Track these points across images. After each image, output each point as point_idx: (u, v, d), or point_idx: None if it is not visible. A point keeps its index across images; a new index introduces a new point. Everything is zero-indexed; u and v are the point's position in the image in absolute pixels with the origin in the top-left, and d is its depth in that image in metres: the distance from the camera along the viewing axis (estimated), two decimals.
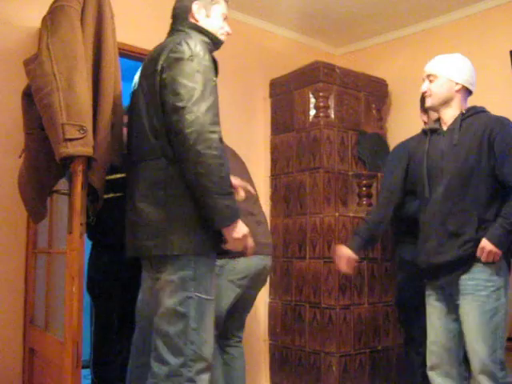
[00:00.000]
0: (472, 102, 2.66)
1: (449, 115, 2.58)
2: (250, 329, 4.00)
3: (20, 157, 2.64)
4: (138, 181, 2.15)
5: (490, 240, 2.38)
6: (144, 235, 2.11)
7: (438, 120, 2.65)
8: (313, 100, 3.97)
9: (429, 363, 2.61)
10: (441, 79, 2.57)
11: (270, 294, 4.13)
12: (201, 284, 2.12)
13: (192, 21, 2.28)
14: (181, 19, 2.29)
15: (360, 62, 4.48)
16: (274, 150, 4.23)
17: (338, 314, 3.67)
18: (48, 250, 2.83)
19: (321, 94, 3.94)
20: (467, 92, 2.60)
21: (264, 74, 4.27)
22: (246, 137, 4.12)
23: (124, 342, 3.35)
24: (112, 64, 2.38)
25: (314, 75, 3.96)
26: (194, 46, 2.10)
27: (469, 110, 2.57)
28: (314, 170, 3.88)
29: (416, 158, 2.68)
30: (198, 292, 2.11)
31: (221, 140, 2.07)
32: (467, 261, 2.45)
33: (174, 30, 2.30)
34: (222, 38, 2.35)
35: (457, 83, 2.56)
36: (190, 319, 2.09)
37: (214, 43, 2.29)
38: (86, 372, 3.74)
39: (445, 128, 2.59)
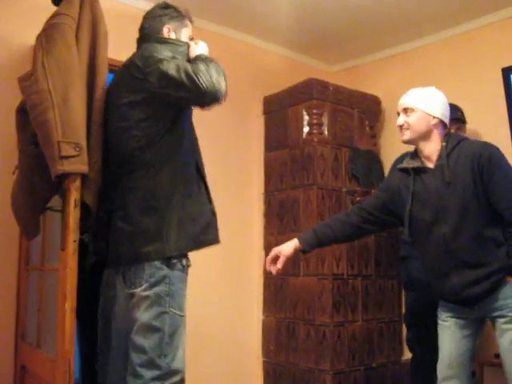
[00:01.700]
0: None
1: (429, 149, 2.56)
2: (244, 346, 3.99)
3: (14, 173, 2.63)
4: (128, 192, 2.22)
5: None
6: (142, 242, 2.17)
7: (415, 154, 2.63)
8: (306, 117, 3.99)
9: (440, 376, 2.60)
10: (418, 113, 2.55)
11: (263, 311, 4.11)
12: (175, 300, 2.19)
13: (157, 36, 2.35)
14: (150, 39, 2.33)
15: (353, 80, 4.51)
16: (268, 166, 4.24)
17: (332, 331, 3.66)
18: (40, 266, 2.81)
19: (314, 111, 3.96)
20: (443, 125, 2.59)
21: (258, 91, 4.29)
22: (240, 153, 4.13)
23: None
24: (105, 81, 2.40)
25: (308, 92, 3.98)
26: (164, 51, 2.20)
27: (449, 141, 2.54)
28: (308, 187, 3.88)
29: (400, 197, 2.64)
30: (172, 308, 2.17)
31: None
32: (497, 286, 2.46)
33: (141, 44, 2.36)
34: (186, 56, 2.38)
35: (434, 117, 2.55)
36: (165, 334, 2.15)
37: None
38: None
39: (431, 165, 2.55)
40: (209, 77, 2.10)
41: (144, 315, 2.14)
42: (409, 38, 4.26)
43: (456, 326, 2.57)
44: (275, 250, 2.71)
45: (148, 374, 2.11)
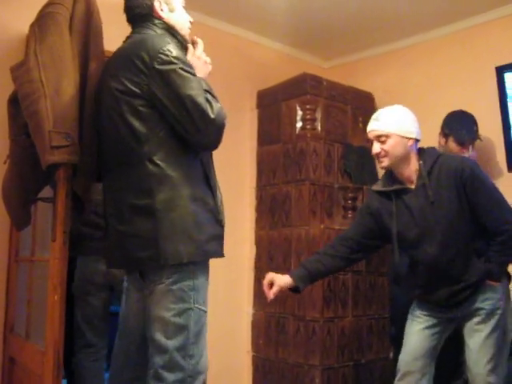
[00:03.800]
0: None
1: (409, 171, 2.54)
2: (233, 340, 3.99)
3: (5, 163, 2.62)
4: (121, 189, 2.07)
5: (494, 281, 2.50)
6: (135, 246, 2.01)
7: (391, 175, 2.60)
8: (300, 112, 3.98)
9: (403, 369, 2.62)
10: (393, 138, 2.49)
11: (253, 306, 4.11)
12: (199, 295, 2.05)
13: (158, 20, 2.19)
14: (146, 18, 2.18)
15: (347, 76, 4.50)
16: (260, 161, 4.23)
17: (321, 326, 3.66)
18: (31, 257, 2.80)
19: (308, 106, 3.95)
20: (417, 142, 2.56)
21: (251, 85, 4.28)
22: (233, 147, 4.12)
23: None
24: (98, 72, 2.36)
25: (302, 87, 3.97)
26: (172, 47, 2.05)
27: (426, 159, 2.52)
28: (300, 182, 3.88)
29: (382, 220, 2.63)
30: (197, 303, 2.03)
31: None
32: (478, 291, 2.51)
33: (139, 28, 2.19)
34: (187, 35, 2.27)
35: (409, 138, 2.51)
36: (190, 332, 2.01)
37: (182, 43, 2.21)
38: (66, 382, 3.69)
39: (411, 186, 2.54)
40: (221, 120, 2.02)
41: (167, 313, 1.99)
42: (403, 36, 4.25)
43: (427, 324, 2.61)
44: (270, 277, 2.67)
45: (171, 376, 1.98)
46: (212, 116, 1.99)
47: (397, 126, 2.50)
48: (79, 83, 2.30)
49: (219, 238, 2.13)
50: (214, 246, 2.09)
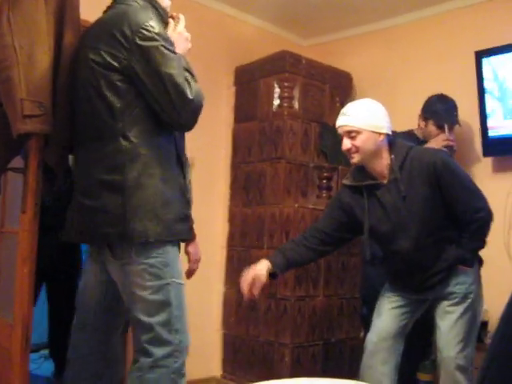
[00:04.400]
0: None
1: (380, 166, 2.51)
2: (203, 318, 3.98)
3: None
4: (92, 163, 2.03)
5: (466, 266, 2.52)
6: (103, 222, 1.98)
7: (362, 168, 2.57)
8: (277, 90, 3.94)
9: (370, 347, 2.63)
10: (364, 134, 2.45)
11: (225, 284, 4.11)
12: (174, 269, 2.04)
13: None
14: None
15: (326, 55, 4.47)
16: (236, 138, 4.20)
17: (292, 305, 3.68)
18: (0, 229, 2.74)
19: (286, 84, 3.92)
20: (388, 136, 2.53)
21: (230, 61, 4.23)
22: (209, 124, 4.06)
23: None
24: (73, 40, 2.30)
25: (280, 65, 3.93)
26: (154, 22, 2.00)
27: (397, 153, 2.50)
28: (276, 161, 3.86)
29: (354, 214, 2.61)
30: (173, 278, 2.03)
31: None
32: (450, 275, 2.54)
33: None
34: (168, 7, 2.21)
35: (380, 133, 2.47)
36: (173, 306, 2.01)
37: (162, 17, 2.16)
38: (34, 356, 3.68)
39: (384, 180, 2.52)
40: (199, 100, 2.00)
41: (145, 291, 1.98)
42: (384, 17, 4.23)
43: (397, 303, 2.65)
44: (251, 275, 2.60)
45: (158, 351, 1.98)
46: (190, 97, 1.96)
47: (367, 121, 2.46)
48: (53, 52, 2.23)
49: (187, 219, 2.11)
50: (182, 226, 2.07)
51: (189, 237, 2.17)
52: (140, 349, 2.01)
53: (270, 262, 2.62)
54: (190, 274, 2.42)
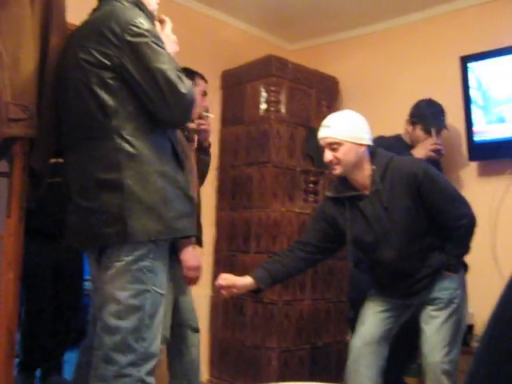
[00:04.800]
0: None
1: (362, 177, 2.51)
2: None
3: None
4: (87, 163, 1.99)
5: (451, 271, 2.53)
6: (100, 222, 1.94)
7: (345, 180, 2.57)
8: (264, 94, 3.95)
9: (355, 352, 2.62)
10: (345, 146, 2.44)
11: (212, 288, 4.09)
12: (157, 277, 1.99)
13: None
14: None
15: (313, 59, 4.48)
16: (223, 142, 4.20)
17: (279, 309, 3.67)
18: None
19: (272, 88, 3.93)
20: (369, 147, 2.52)
21: (216, 65, 4.22)
22: None
23: (60, 330, 3.31)
24: (59, 43, 2.29)
25: (267, 69, 3.94)
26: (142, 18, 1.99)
27: (378, 163, 2.50)
28: (262, 165, 3.86)
29: (337, 225, 2.61)
30: (154, 286, 1.97)
31: None
32: (434, 281, 2.54)
33: (107, 0, 2.10)
34: (155, 11, 2.22)
35: (361, 145, 2.47)
36: (145, 314, 1.94)
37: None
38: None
39: (365, 191, 2.51)
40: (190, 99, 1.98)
41: (122, 292, 1.92)
42: (370, 21, 4.26)
43: (382, 308, 2.65)
44: (229, 280, 2.55)
45: (123, 359, 1.89)
46: (183, 90, 1.95)
47: (348, 132, 2.46)
48: (39, 55, 2.22)
49: (189, 216, 2.07)
50: (184, 223, 2.03)
51: (192, 233, 2.12)
52: (103, 356, 1.93)
53: (253, 277, 2.58)
54: (187, 282, 2.40)
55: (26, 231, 3.28)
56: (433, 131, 3.32)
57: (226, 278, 2.56)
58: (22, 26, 2.17)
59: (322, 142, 2.51)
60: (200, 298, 4.03)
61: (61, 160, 2.21)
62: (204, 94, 3.16)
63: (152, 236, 1.93)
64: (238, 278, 2.58)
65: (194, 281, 2.78)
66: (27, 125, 2.11)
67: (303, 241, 2.69)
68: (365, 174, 2.50)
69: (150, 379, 1.96)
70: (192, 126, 2.92)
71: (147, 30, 1.96)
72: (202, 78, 3.21)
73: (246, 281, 2.57)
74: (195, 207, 2.13)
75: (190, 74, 3.16)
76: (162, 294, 2.02)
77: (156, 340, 1.99)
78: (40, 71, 2.19)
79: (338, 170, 2.49)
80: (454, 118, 3.58)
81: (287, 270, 2.64)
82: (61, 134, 2.16)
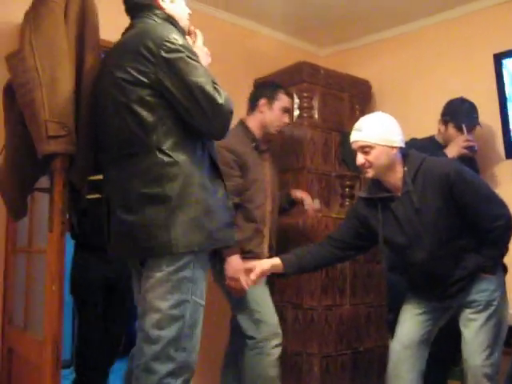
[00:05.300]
0: None
1: (394, 179, 2.51)
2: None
3: (0, 153, 2.60)
4: (129, 179, 2.03)
5: (488, 273, 2.50)
6: (145, 236, 1.98)
7: (378, 181, 2.57)
8: (297, 100, 3.96)
9: (394, 356, 2.63)
10: (377, 149, 2.45)
11: None
12: (197, 287, 2.02)
13: (158, 11, 2.16)
14: (146, 8, 2.16)
15: (344, 63, 4.48)
16: None
17: (319, 314, 3.66)
18: (28, 248, 2.79)
19: (305, 94, 3.93)
20: (401, 149, 2.52)
21: (248, 74, 4.24)
22: None
23: (108, 346, 3.33)
24: (94, 61, 2.34)
25: (298, 76, 3.95)
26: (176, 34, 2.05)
27: (410, 164, 2.50)
28: (297, 171, 3.87)
29: (369, 225, 2.62)
30: (194, 295, 2.01)
31: None
32: (471, 283, 2.52)
33: (139, 18, 2.16)
34: (186, 27, 2.28)
35: (393, 147, 2.47)
36: (185, 324, 1.98)
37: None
38: (66, 372, 3.71)
39: (397, 193, 2.51)
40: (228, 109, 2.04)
41: (163, 303, 1.96)
42: (400, 22, 4.23)
43: (420, 310, 2.63)
44: (250, 264, 2.60)
45: (162, 368, 1.93)
46: (220, 101, 1.99)
47: (380, 135, 2.46)
48: (75, 71, 2.28)
49: (230, 225, 2.13)
50: (225, 233, 2.09)
51: (232, 243, 2.17)
52: (143, 366, 1.97)
53: (281, 260, 2.64)
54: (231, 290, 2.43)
55: (78, 246, 3.37)
56: (464, 128, 3.27)
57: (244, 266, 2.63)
58: (58, 45, 2.24)
59: (353, 146, 2.53)
60: None
61: (100, 177, 2.27)
62: (285, 110, 3.23)
63: (195, 247, 1.98)
64: (256, 261, 2.64)
65: (234, 290, 2.81)
66: (66, 141, 2.17)
67: (334, 236, 2.73)
68: (397, 176, 2.50)
69: None
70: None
71: (182, 46, 2.01)
72: (286, 93, 3.26)
73: (274, 261, 2.63)
74: (234, 217, 2.18)
75: (273, 88, 3.23)
76: (201, 305, 2.05)
77: (195, 351, 2.03)
78: (76, 89, 2.26)
79: (370, 173, 2.51)
80: (489, 116, 3.53)
81: (316, 260, 2.68)
82: (98, 151, 2.22)
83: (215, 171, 2.13)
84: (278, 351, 2.99)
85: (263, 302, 3.03)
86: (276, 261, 2.64)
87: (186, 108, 2.00)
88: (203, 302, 2.07)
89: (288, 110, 3.29)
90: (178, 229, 1.96)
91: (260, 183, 3.13)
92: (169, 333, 1.96)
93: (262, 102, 3.23)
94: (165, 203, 1.97)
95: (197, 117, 2.00)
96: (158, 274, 1.99)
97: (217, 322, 3.51)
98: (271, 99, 3.22)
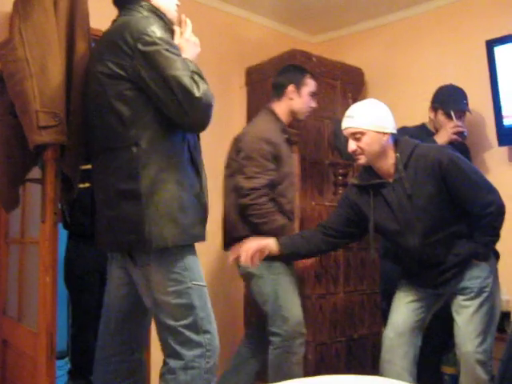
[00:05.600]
0: None
1: (386, 165, 2.51)
2: (226, 317, 3.99)
3: None
4: (108, 173, 2.05)
5: (480, 260, 2.50)
6: (122, 230, 2.02)
7: (370, 168, 2.57)
8: None
9: (388, 343, 2.63)
10: (368, 135, 2.46)
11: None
12: (193, 272, 2.06)
13: (145, 3, 2.14)
14: (131, 0, 2.14)
15: (336, 51, 4.47)
16: None
17: (313, 303, 3.67)
18: (21, 239, 2.78)
19: None
20: (393, 135, 2.52)
21: (240, 62, 4.24)
22: (222, 125, 4.08)
23: None
24: (85, 49, 2.32)
25: (291, 63, 3.93)
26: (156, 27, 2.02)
27: (402, 150, 2.49)
28: None
29: (361, 212, 2.61)
30: (194, 281, 2.05)
31: None
32: (464, 269, 2.52)
33: (126, 10, 2.15)
34: (175, 18, 2.25)
35: (384, 133, 2.47)
36: (197, 309, 2.04)
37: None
38: (60, 363, 3.71)
39: (389, 179, 2.51)
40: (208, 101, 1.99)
41: (168, 297, 2.02)
42: (392, 9, 4.22)
43: (413, 297, 2.63)
44: (260, 244, 2.58)
45: (189, 353, 2.01)
46: (197, 95, 1.96)
47: (371, 121, 2.46)
48: (65, 61, 2.26)
49: (203, 222, 2.14)
50: (199, 229, 2.10)
51: (203, 239, 2.16)
52: (170, 352, 2.04)
53: (276, 240, 2.63)
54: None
55: (71, 235, 3.36)
56: (453, 114, 3.27)
57: (250, 248, 2.58)
58: (48, 34, 2.21)
59: (345, 133, 2.53)
60: (235, 294, 4.07)
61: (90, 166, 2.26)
62: (312, 94, 3.19)
63: (169, 243, 1.99)
64: (259, 240, 2.62)
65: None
66: (57, 131, 2.16)
67: (326, 224, 2.71)
68: (389, 162, 2.50)
69: (216, 371, 2.07)
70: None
71: (159, 38, 1.99)
72: (312, 77, 3.22)
73: (270, 241, 2.61)
74: (207, 213, 2.18)
75: (300, 73, 3.19)
76: (203, 286, 2.10)
77: (215, 333, 2.09)
78: (67, 78, 2.24)
79: (362, 160, 2.51)
80: (481, 103, 3.54)
81: (309, 246, 2.67)
82: (88, 141, 2.22)
83: (193, 166, 2.13)
84: (303, 350, 3.00)
85: (291, 299, 3.01)
86: (273, 241, 2.62)
87: (164, 101, 1.98)
88: (204, 283, 2.10)
89: (315, 94, 3.25)
90: (151, 224, 1.97)
91: (292, 177, 3.11)
92: (186, 321, 2.02)
93: (291, 88, 3.15)
94: (139, 199, 1.98)
95: (174, 110, 1.99)
96: (152, 273, 2.03)
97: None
98: (299, 85, 3.17)
